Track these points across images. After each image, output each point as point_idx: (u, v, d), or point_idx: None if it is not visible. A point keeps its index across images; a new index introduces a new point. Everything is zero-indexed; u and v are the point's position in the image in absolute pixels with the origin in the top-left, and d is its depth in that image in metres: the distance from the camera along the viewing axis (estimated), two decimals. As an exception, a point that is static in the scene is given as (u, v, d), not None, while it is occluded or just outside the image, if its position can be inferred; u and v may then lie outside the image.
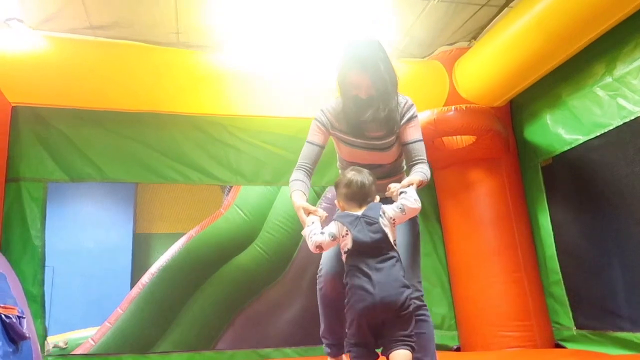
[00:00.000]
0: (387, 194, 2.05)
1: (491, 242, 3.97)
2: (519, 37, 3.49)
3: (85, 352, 4.02)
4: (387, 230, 1.89)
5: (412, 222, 2.18)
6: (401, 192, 1.97)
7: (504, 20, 3.69)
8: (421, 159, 2.18)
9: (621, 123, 3.26)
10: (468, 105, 3.87)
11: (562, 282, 3.77)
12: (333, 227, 1.93)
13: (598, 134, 3.45)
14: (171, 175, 4.05)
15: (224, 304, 4.26)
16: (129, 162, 3.98)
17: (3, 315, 2.27)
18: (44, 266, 3.62)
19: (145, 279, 4.31)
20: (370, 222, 1.89)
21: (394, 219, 1.91)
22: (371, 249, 1.86)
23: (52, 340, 4.10)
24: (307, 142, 2.25)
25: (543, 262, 3.96)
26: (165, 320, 4.16)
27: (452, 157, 4.12)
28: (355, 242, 1.87)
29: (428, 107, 3.94)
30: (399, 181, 2.13)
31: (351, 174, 2.01)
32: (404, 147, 2.20)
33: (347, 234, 1.90)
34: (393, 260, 1.87)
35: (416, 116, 2.21)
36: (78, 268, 6.87)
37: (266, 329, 4.19)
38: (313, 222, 1.97)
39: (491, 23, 3.98)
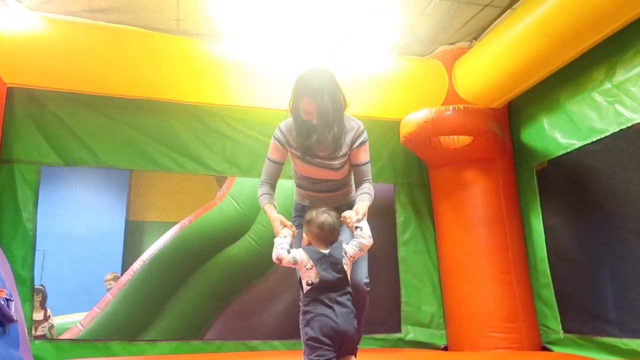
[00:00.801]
0: (342, 220, 2.29)
1: (483, 243, 3.98)
2: (520, 39, 3.49)
3: (73, 337, 4.01)
4: (347, 268, 2.19)
5: None
6: (357, 227, 2.25)
7: (505, 22, 3.68)
8: (368, 179, 2.46)
9: (618, 129, 3.27)
10: (466, 105, 3.87)
11: (551, 285, 3.79)
12: (299, 255, 2.20)
13: (594, 140, 3.46)
14: (166, 163, 4.03)
15: (214, 295, 4.26)
16: (124, 148, 3.96)
17: (-9, 298, 2.25)
18: (34, 250, 3.60)
19: (137, 266, 4.30)
20: (335, 262, 2.17)
21: (353, 257, 2.23)
22: (334, 285, 2.15)
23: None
24: (267, 158, 2.52)
25: (534, 265, 3.98)
26: (155, 308, 4.15)
27: (448, 156, 4.12)
28: (321, 279, 2.14)
29: (426, 105, 3.94)
30: (348, 193, 2.51)
31: (324, 217, 2.25)
32: (354, 167, 2.46)
33: (311, 268, 2.17)
34: (348, 295, 2.19)
35: (366, 141, 2.46)
36: (69, 252, 6.82)
37: (256, 321, 4.19)
38: (285, 236, 2.26)
39: (493, 24, 3.97)
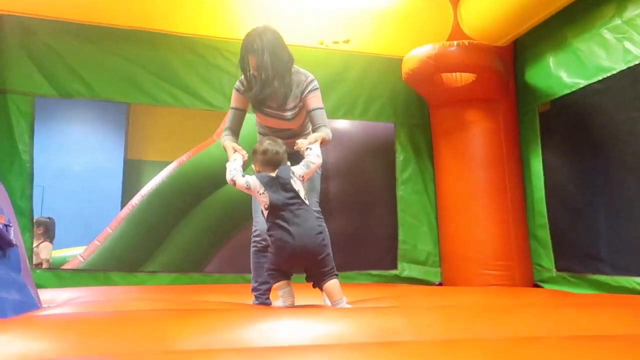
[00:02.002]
0: (295, 148, 2.44)
1: (481, 183, 3.99)
2: (529, -28, 3.35)
3: (74, 268, 4.08)
4: (298, 187, 2.26)
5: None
6: (307, 149, 2.37)
7: (515, -47, 3.52)
8: (323, 124, 2.57)
9: (625, 67, 3.19)
10: (470, 41, 3.77)
11: (547, 225, 3.83)
12: (251, 180, 2.29)
13: (600, 78, 3.38)
14: (163, 97, 3.96)
15: (213, 230, 4.31)
16: (120, 81, 3.89)
17: (-11, 222, 2.25)
18: (32, 181, 3.60)
19: (135, 200, 4.31)
20: (284, 182, 2.25)
21: (302, 176, 2.30)
22: (286, 205, 2.22)
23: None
24: (230, 108, 2.72)
25: (531, 206, 4.00)
26: (154, 242, 4.21)
27: (450, 95, 4.06)
28: (272, 201, 2.22)
29: (430, 42, 3.83)
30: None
31: (267, 144, 2.35)
32: (308, 114, 2.62)
33: (264, 193, 2.24)
34: (305, 213, 2.24)
35: (316, 88, 2.62)
36: (68, 189, 6.85)
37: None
38: (235, 159, 2.41)
39: (502, -44, 3.80)
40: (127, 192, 6.94)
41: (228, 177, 2.34)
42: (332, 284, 2.21)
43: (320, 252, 2.20)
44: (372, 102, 4.44)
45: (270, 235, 2.25)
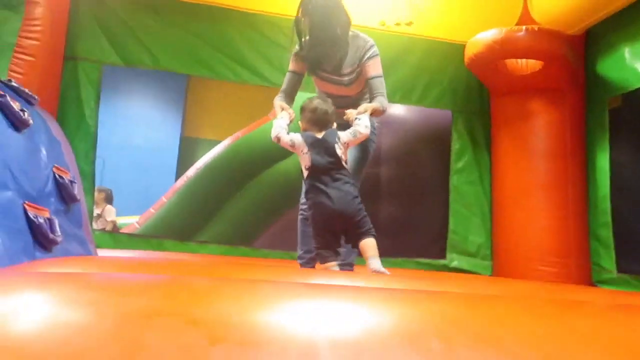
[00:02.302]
0: (345, 118, 2.42)
1: (541, 176, 3.83)
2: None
3: (130, 232, 4.23)
4: (340, 153, 2.26)
5: (369, 144, 2.60)
6: (356, 119, 2.35)
7: None
8: (380, 93, 2.53)
9: None
10: (540, 26, 3.61)
11: (610, 224, 3.64)
12: (296, 138, 2.31)
13: (681, 71, 3.17)
14: (222, 71, 4.02)
15: (264, 207, 4.36)
16: (183, 53, 3.97)
17: (57, 175, 2.35)
18: (95, 146, 3.74)
19: (191, 172, 4.41)
20: (328, 146, 2.25)
21: (347, 143, 2.31)
22: (326, 169, 2.23)
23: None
24: (287, 71, 2.75)
25: (594, 203, 3.81)
26: (207, 214, 4.30)
27: (514, 83, 3.91)
28: (314, 162, 2.24)
29: (497, 26, 3.70)
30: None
31: (317, 102, 2.35)
32: (366, 81, 2.56)
33: (306, 153, 2.26)
34: (345, 178, 2.26)
35: (376, 55, 2.56)
36: (126, 162, 7.12)
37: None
38: (282, 117, 2.44)
39: (581, -62, 3.60)
40: (182, 168, 7.15)
41: (273, 133, 2.35)
42: (368, 241, 2.22)
43: (357, 215, 2.22)
44: (430, 88, 4.33)
45: (308, 199, 2.29)
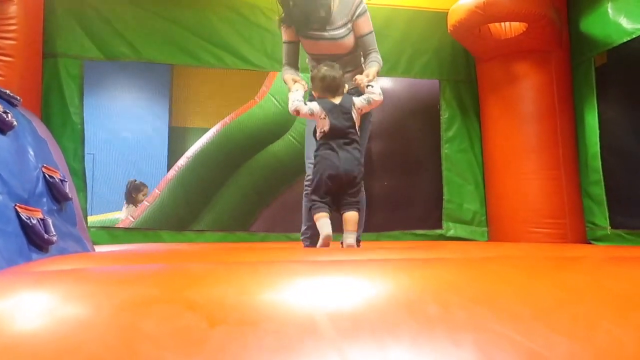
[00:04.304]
0: (354, 83, 2.53)
1: (531, 138, 3.85)
2: None
3: (126, 226, 4.23)
4: (355, 117, 2.42)
5: (370, 113, 2.67)
6: (368, 86, 2.47)
7: None
8: (374, 49, 2.63)
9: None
10: (522, -12, 3.57)
11: (602, 181, 3.67)
12: (314, 107, 2.41)
13: (664, 22, 3.16)
14: (206, 57, 3.97)
15: (258, 190, 4.36)
16: (164, 42, 3.91)
17: (46, 175, 2.34)
18: (83, 143, 3.71)
19: (182, 162, 4.40)
20: (345, 111, 2.39)
21: (361, 109, 2.44)
22: (343, 132, 2.38)
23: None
24: (283, 43, 2.76)
25: (584, 161, 3.83)
26: (201, 202, 4.30)
27: (498, 48, 3.89)
28: (332, 126, 2.37)
29: (478, -9, 3.66)
30: (359, 73, 2.61)
31: (325, 69, 2.44)
32: (359, 40, 2.62)
33: (325, 118, 2.38)
34: (355, 144, 2.41)
35: (366, 11, 2.59)
36: (116, 156, 7.08)
37: (298, 215, 4.28)
38: (297, 90, 2.51)
39: None
40: (173, 158, 7.12)
41: (291, 107, 2.46)
42: (352, 214, 2.37)
43: (355, 180, 2.38)
44: (416, 58, 4.31)
45: (316, 155, 2.41)
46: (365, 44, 2.60)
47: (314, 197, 2.39)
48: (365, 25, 2.59)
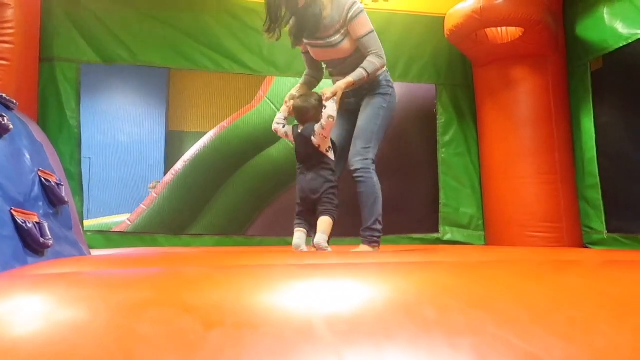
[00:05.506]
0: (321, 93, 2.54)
1: (528, 143, 3.86)
2: None
3: (122, 230, 4.21)
4: (316, 142, 2.50)
5: (380, 100, 2.65)
6: (324, 106, 2.49)
7: None
8: (371, 51, 2.54)
9: (688, 14, 2.98)
10: (518, -6, 3.59)
11: (599, 185, 3.68)
12: (288, 131, 2.65)
13: (660, 27, 3.18)
14: (202, 61, 3.97)
15: (254, 194, 4.35)
16: (161, 46, 3.91)
17: (42, 179, 2.33)
18: (80, 146, 3.70)
19: (179, 166, 4.39)
20: (306, 140, 2.53)
21: (321, 134, 2.49)
22: (306, 157, 2.56)
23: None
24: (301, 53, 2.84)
25: (581, 166, 3.85)
26: (198, 206, 4.29)
27: (495, 52, 3.91)
28: (297, 152, 2.60)
29: (474, -3, 3.68)
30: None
31: (297, 101, 2.59)
32: (357, 42, 2.57)
33: (293, 143, 2.62)
34: (323, 164, 2.53)
35: (359, 12, 2.53)
36: (113, 160, 7.07)
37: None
38: (281, 111, 2.70)
39: None
40: (170, 162, 7.12)
41: (273, 126, 2.68)
42: (324, 218, 2.48)
43: (323, 195, 2.49)
44: (413, 63, 4.32)
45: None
46: (363, 45, 2.55)
47: (296, 214, 2.60)
48: (360, 27, 2.53)
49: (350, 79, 2.49)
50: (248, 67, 4.06)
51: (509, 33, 3.82)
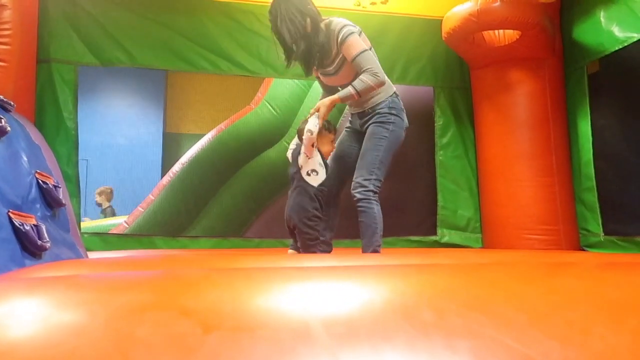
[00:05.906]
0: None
1: (525, 146, 3.87)
2: None
3: (119, 232, 4.21)
4: (301, 162, 2.53)
5: (381, 130, 2.63)
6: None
7: None
8: (364, 70, 2.50)
9: (684, 17, 3.00)
10: (515, -3, 3.61)
11: (595, 188, 3.69)
12: (288, 154, 2.79)
13: (656, 31, 3.20)
14: (200, 63, 3.96)
15: (252, 196, 4.34)
16: (159, 48, 3.90)
17: (40, 181, 2.33)
18: (77, 148, 3.69)
19: (176, 168, 4.38)
20: (294, 159, 2.63)
21: (305, 154, 2.51)
22: (291, 178, 2.64)
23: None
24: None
25: (577, 168, 3.86)
26: (195, 208, 4.28)
27: (492, 55, 3.92)
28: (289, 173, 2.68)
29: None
30: (366, 96, 2.60)
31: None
32: (351, 64, 2.56)
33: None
34: (299, 189, 2.55)
35: (348, 35, 2.52)
36: (111, 162, 7.06)
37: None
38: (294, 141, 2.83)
39: None
40: (167, 164, 7.12)
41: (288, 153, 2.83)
42: (290, 253, 2.62)
43: (296, 221, 2.54)
44: (410, 65, 4.33)
45: None
46: (357, 65, 2.52)
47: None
48: (351, 49, 2.52)
49: (336, 96, 2.52)
50: (246, 68, 4.06)
51: (506, 36, 3.83)
